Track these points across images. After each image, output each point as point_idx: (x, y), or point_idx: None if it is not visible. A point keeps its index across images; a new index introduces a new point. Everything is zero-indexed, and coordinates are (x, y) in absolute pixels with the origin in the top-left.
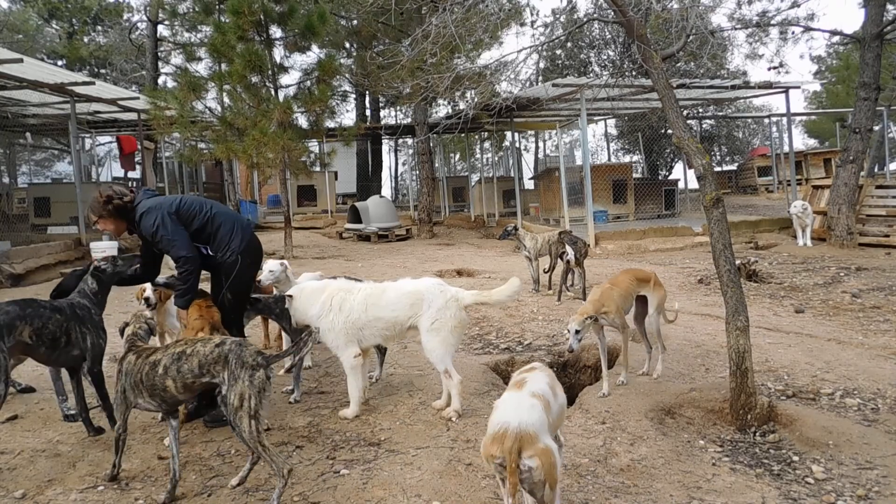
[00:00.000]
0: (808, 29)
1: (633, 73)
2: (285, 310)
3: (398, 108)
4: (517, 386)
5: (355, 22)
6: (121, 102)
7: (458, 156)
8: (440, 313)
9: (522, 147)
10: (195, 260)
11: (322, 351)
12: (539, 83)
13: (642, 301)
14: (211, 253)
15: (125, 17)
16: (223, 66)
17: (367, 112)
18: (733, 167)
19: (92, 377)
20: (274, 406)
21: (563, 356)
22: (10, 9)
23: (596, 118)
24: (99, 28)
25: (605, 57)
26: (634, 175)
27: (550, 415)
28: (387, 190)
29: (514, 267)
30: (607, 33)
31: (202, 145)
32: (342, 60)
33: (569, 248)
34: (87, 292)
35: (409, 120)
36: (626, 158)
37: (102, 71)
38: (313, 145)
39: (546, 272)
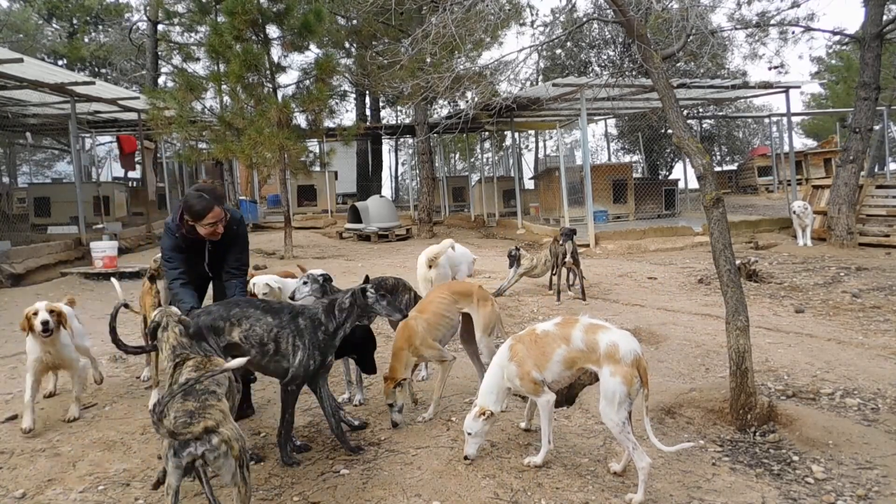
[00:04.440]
0: (808, 29)
1: (634, 72)
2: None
3: (398, 107)
4: (569, 324)
5: (355, 21)
6: (121, 102)
7: (458, 155)
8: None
9: (522, 147)
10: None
11: None
12: (539, 83)
13: (469, 318)
14: None
15: (125, 16)
16: (221, 66)
17: (367, 112)
18: (733, 167)
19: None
20: (273, 405)
21: None
22: (10, 8)
23: (596, 118)
24: (99, 28)
25: (606, 57)
26: (634, 175)
27: None
28: (387, 190)
29: None
30: (607, 33)
31: (202, 145)
32: (342, 60)
33: (567, 246)
34: (338, 307)
35: (409, 120)
36: (627, 158)
37: (103, 71)
38: (313, 145)
39: (553, 274)
